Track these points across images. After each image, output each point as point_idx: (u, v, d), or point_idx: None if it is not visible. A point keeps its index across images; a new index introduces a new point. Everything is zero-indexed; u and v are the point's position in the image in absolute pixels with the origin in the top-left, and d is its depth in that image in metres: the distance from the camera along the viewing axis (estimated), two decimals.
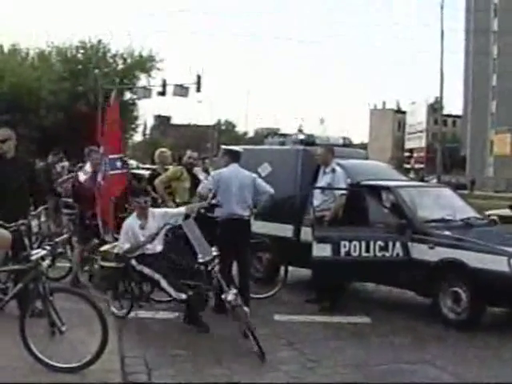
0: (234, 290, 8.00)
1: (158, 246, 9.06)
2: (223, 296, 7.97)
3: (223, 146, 11.10)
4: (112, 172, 10.88)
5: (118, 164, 10.96)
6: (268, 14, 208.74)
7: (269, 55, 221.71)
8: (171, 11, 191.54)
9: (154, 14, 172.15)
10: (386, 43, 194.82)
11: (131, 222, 9.10)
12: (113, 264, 9.10)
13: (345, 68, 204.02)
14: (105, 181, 10.88)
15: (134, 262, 8.92)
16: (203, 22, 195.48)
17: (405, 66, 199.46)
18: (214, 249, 8.32)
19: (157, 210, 9.39)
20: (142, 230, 8.98)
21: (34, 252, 6.90)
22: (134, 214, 9.21)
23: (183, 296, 8.36)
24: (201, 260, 8.19)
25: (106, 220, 10.84)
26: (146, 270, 8.80)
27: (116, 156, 10.99)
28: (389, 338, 8.69)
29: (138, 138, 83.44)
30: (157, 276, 8.66)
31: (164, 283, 8.55)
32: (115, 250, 9.11)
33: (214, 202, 9.74)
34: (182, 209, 9.41)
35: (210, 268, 8.22)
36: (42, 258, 6.82)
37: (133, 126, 61.06)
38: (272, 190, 10.04)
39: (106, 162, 10.90)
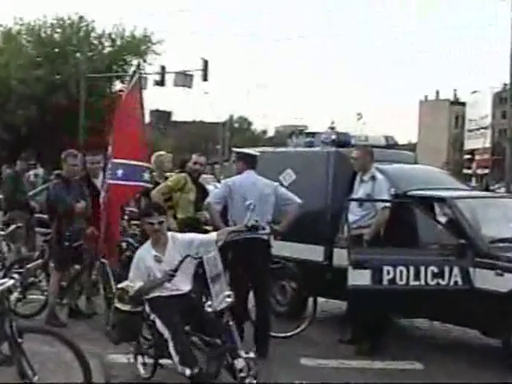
0: (251, 354, 7.74)
1: (183, 285, 8.28)
2: (235, 362, 7.61)
3: (235, 149, 11.10)
4: (111, 181, 10.78)
5: (119, 173, 10.71)
6: (268, 14, 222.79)
7: (269, 55, 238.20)
8: (171, 11, 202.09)
9: (153, 14, 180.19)
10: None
11: (143, 252, 8.36)
12: (127, 307, 8.36)
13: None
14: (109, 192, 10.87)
15: (147, 307, 8.28)
16: (204, 21, 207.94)
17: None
18: (228, 293, 7.94)
19: (179, 236, 8.56)
20: (158, 264, 8.21)
21: None
22: (148, 241, 8.42)
23: (187, 372, 7.57)
24: (209, 309, 7.85)
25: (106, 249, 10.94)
26: (158, 323, 8.04)
27: (121, 161, 10.76)
28: None
29: None
30: (167, 334, 7.88)
31: (172, 347, 7.79)
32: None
33: (252, 223, 9.45)
34: (214, 235, 8.62)
35: (224, 320, 7.82)
36: (9, 290, 6.81)
37: None
38: (299, 200, 10.05)
39: (108, 167, 10.84)
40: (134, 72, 12.15)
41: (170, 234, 8.42)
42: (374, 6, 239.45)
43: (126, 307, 8.33)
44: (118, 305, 8.42)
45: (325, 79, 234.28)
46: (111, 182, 10.70)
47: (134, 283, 8.22)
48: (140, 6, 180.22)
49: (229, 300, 7.77)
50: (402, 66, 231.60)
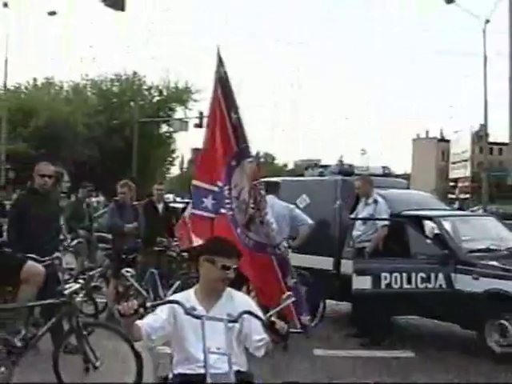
0: None
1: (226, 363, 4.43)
2: None
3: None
4: (196, 212, 8.17)
5: (208, 203, 8.03)
6: (268, 13, 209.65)
7: (268, 56, 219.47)
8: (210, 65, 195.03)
9: (195, 67, 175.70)
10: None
11: (179, 299, 4.65)
12: None
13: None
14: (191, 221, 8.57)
15: None
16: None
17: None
18: None
19: (240, 294, 5.00)
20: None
21: (67, 286, 6.98)
22: (193, 289, 4.85)
23: None
24: None
25: None
26: None
27: (208, 187, 8.11)
28: (434, 375, 8.58)
29: (175, 171, 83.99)
30: None
31: None
32: None
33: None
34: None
35: None
36: (76, 293, 6.90)
37: (170, 159, 61.64)
38: (311, 221, 10.16)
39: (193, 192, 8.26)
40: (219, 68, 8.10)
41: (228, 289, 4.83)
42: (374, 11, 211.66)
43: None
44: None
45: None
46: (197, 212, 8.17)
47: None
48: (184, 61, 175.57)
49: None
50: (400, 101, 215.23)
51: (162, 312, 4.62)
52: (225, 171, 7.98)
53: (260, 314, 4.64)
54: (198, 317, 4.44)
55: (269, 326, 4.39)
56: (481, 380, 8.36)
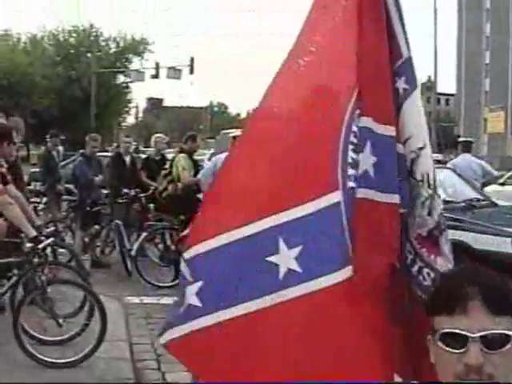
0: None
1: None
2: None
3: (224, 131, 10.96)
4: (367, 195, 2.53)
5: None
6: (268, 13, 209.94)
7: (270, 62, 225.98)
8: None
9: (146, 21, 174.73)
10: None
11: None
12: None
13: None
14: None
15: None
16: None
17: None
18: None
19: None
20: None
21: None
22: None
23: None
24: None
25: None
26: None
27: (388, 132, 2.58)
28: None
29: (130, 120, 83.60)
30: None
31: None
32: None
33: None
34: None
35: None
36: (44, 248, 6.65)
37: (126, 109, 61.47)
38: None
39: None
40: None
41: None
42: None
43: None
44: None
45: None
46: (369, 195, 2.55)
47: None
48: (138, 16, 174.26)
49: None
50: None
51: None
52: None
53: None
54: None
55: None
56: None
